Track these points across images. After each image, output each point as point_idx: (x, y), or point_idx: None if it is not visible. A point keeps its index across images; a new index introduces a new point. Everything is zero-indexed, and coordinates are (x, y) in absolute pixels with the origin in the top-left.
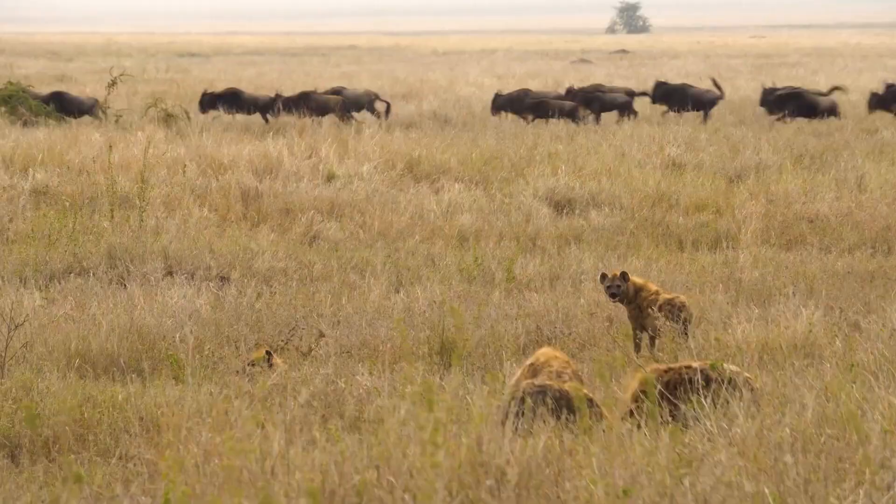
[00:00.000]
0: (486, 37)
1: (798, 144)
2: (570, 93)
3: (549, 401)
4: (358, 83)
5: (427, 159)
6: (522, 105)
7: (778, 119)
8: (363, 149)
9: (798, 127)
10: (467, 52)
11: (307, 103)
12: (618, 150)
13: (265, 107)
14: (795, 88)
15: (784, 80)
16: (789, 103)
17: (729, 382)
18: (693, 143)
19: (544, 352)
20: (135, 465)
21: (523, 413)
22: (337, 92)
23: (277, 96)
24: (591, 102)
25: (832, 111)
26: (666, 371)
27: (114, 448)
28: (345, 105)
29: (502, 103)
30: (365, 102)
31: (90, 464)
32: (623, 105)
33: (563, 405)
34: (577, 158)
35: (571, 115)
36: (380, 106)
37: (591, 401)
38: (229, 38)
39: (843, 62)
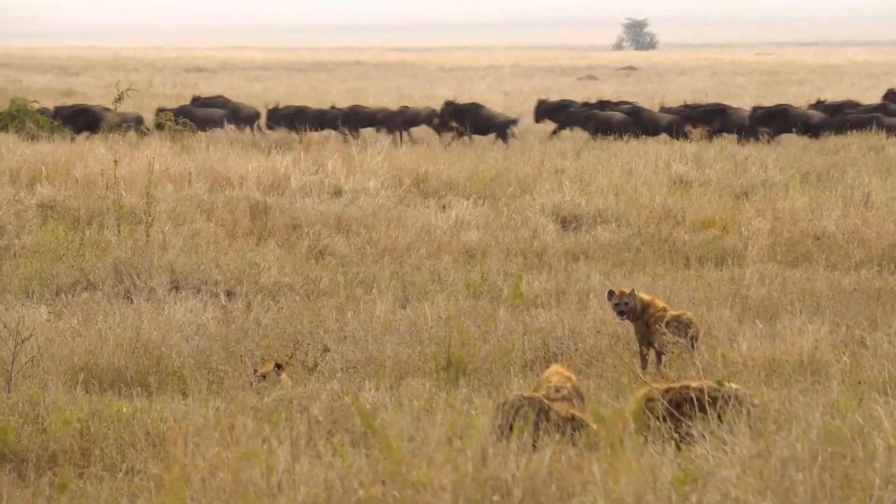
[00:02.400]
0: (492, 53)
1: (804, 161)
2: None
3: (528, 412)
4: (364, 99)
5: (434, 175)
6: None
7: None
8: (369, 164)
9: (804, 144)
10: (474, 67)
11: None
12: (624, 166)
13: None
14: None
15: (791, 98)
16: None
17: (735, 399)
18: (700, 160)
19: (553, 370)
20: (141, 479)
21: (509, 422)
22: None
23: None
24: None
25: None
26: (667, 391)
27: (120, 462)
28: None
29: None
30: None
31: (96, 478)
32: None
33: (544, 418)
34: (584, 175)
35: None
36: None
37: (573, 419)
38: (236, 53)
39: (849, 80)
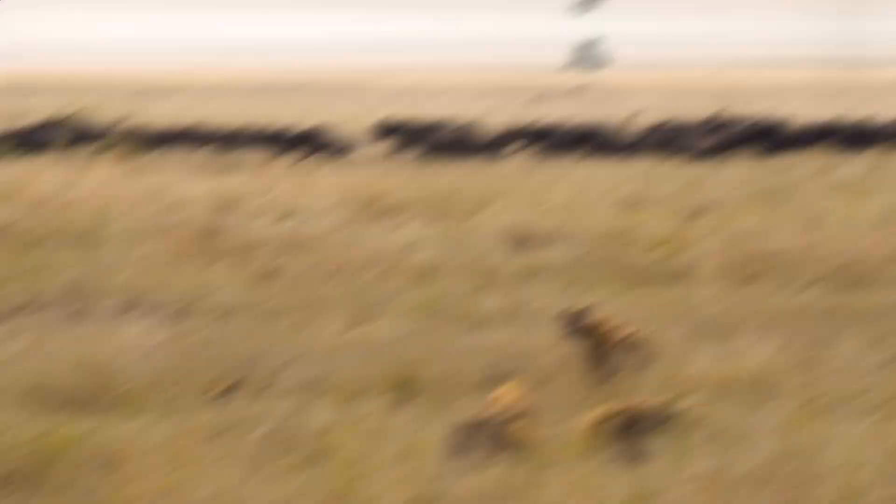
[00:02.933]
0: (444, 74)
1: (756, 180)
2: None
3: (480, 436)
4: (312, 119)
5: (386, 195)
6: None
7: None
8: (321, 185)
9: (755, 163)
10: (426, 89)
11: None
12: (575, 186)
13: None
14: None
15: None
16: None
17: (687, 418)
18: (651, 179)
19: (505, 389)
20: (91, 501)
21: (464, 444)
22: None
23: None
24: None
25: None
26: (619, 411)
27: (71, 484)
28: None
29: None
30: None
31: (47, 501)
32: None
33: (497, 440)
34: (536, 195)
35: None
36: None
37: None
38: (188, 74)
39: (803, 98)
